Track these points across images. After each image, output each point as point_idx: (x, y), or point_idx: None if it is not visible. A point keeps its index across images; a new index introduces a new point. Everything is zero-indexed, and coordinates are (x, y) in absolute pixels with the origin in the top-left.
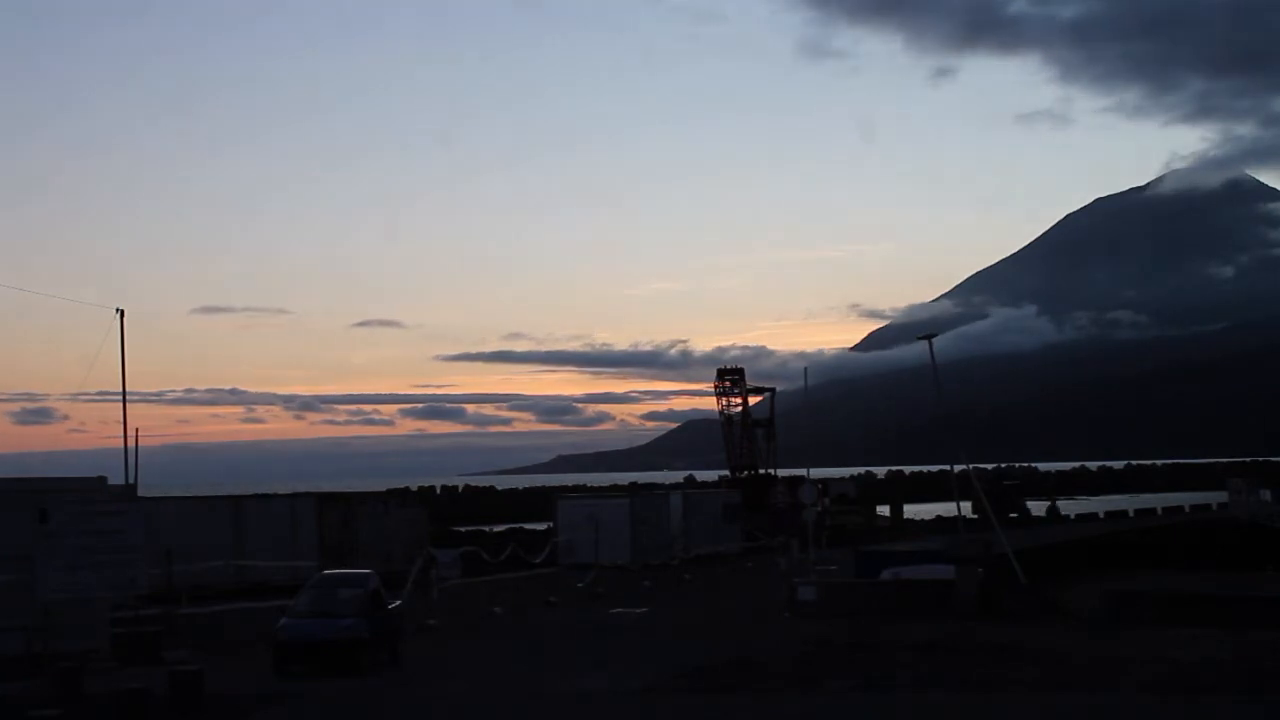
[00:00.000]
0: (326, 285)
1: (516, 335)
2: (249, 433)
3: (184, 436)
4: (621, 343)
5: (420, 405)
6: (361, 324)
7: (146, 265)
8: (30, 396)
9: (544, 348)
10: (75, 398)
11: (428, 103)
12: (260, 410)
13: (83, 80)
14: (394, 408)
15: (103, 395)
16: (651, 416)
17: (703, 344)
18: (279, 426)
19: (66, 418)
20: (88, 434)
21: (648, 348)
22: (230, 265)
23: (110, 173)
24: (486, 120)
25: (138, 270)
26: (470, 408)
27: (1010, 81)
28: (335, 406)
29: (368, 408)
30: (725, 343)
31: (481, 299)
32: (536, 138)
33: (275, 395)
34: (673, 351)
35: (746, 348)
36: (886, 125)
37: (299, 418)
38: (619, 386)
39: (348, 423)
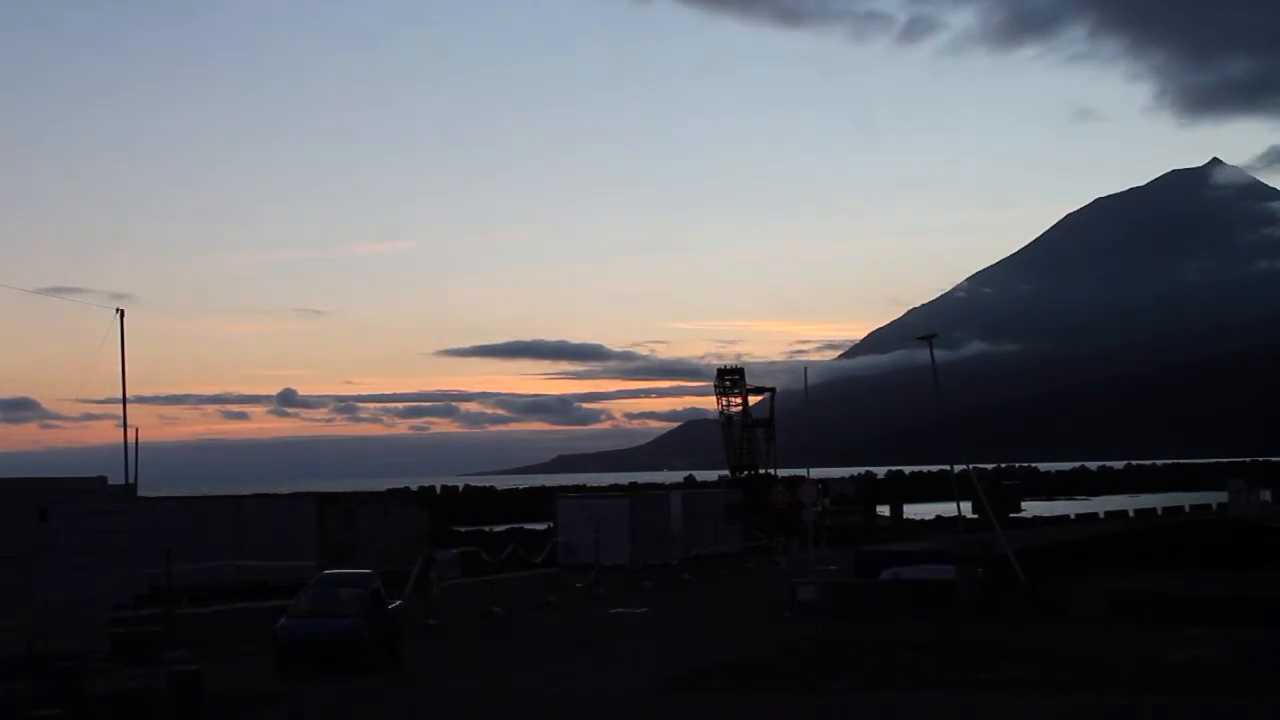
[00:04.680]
0: (316, 281)
1: (501, 333)
2: (243, 431)
3: (173, 436)
4: (613, 342)
5: (403, 405)
6: (341, 319)
7: (135, 265)
8: (28, 396)
9: (532, 345)
10: (76, 400)
11: (437, 99)
12: (249, 409)
13: (74, 81)
14: (375, 405)
15: (108, 399)
16: (649, 416)
17: (702, 344)
18: (270, 425)
19: (65, 417)
20: (86, 433)
21: (640, 347)
22: (224, 264)
23: (102, 173)
24: (485, 119)
25: (128, 270)
26: (461, 405)
27: (1010, 80)
28: (326, 405)
29: (356, 405)
30: (724, 342)
31: (466, 297)
32: (532, 135)
33: (265, 395)
34: (667, 351)
35: (757, 355)
36: (886, 123)
37: (289, 416)
38: (609, 385)
39: (330, 420)
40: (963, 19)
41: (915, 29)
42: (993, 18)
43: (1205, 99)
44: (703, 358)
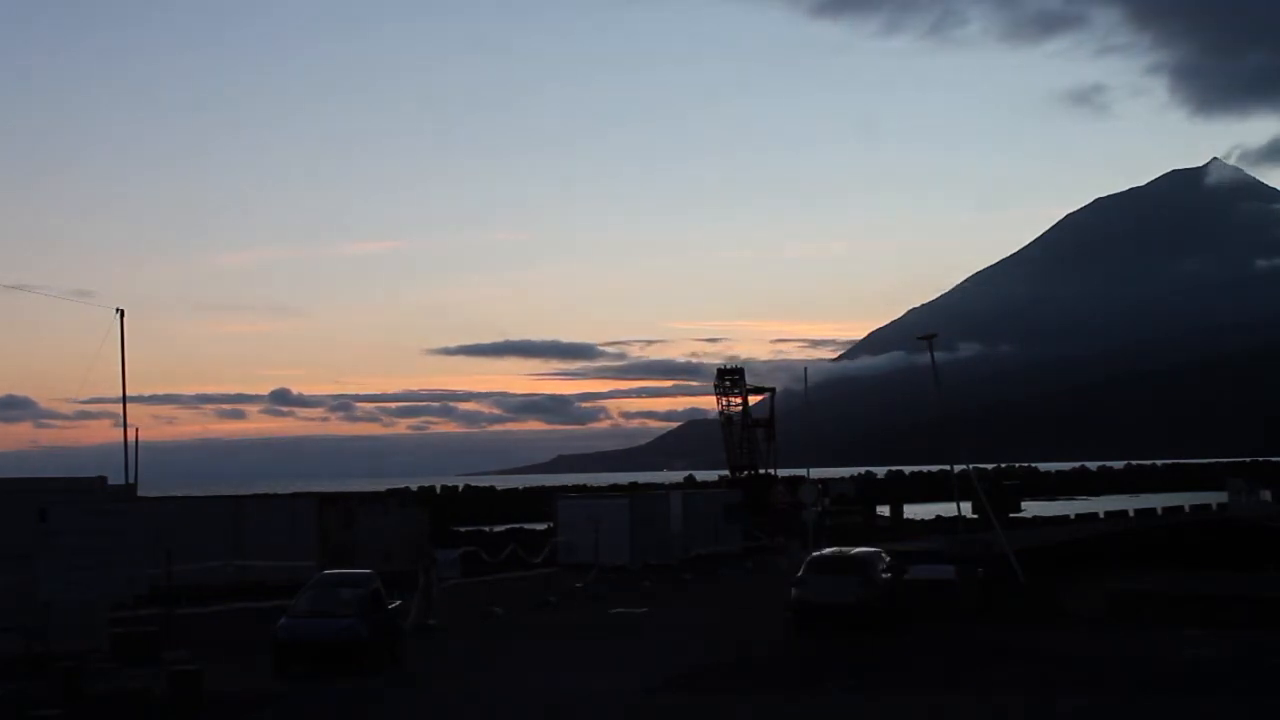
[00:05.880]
0: (303, 281)
1: (491, 332)
2: (239, 431)
3: (169, 436)
4: (607, 341)
5: (396, 405)
6: (330, 318)
7: (132, 264)
8: (25, 395)
9: (522, 345)
10: (70, 400)
11: (429, 97)
12: (244, 408)
13: (72, 77)
14: (371, 405)
15: (96, 398)
16: (648, 416)
17: (699, 343)
18: (267, 425)
19: (61, 416)
20: (83, 433)
21: (635, 347)
22: (213, 264)
23: (100, 171)
24: (476, 117)
25: (124, 269)
26: (458, 405)
27: (1013, 78)
28: (320, 405)
29: (352, 405)
30: (722, 342)
31: (455, 296)
32: (531, 136)
33: (259, 394)
34: (664, 351)
35: (755, 355)
36: (884, 122)
37: (284, 415)
38: (603, 385)
39: (326, 420)
40: (984, 11)
41: (945, 22)
42: (1012, 12)
43: (1219, 94)
44: (699, 357)
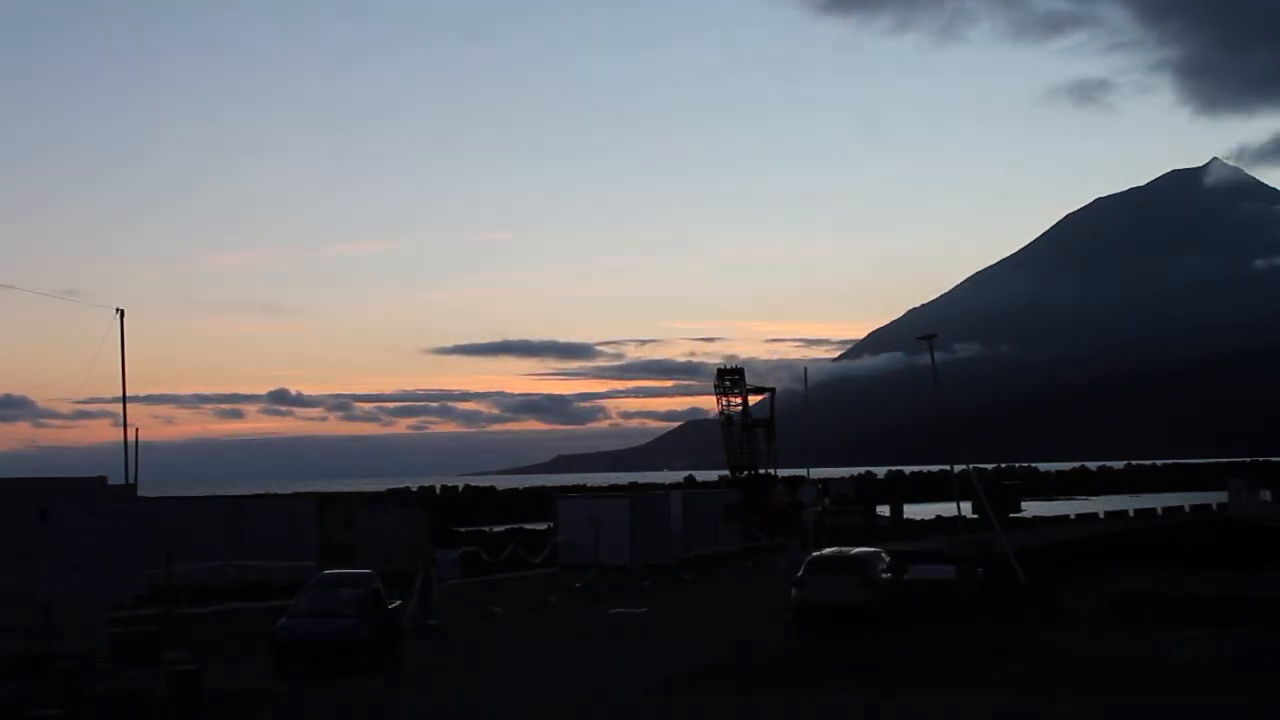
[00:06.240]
0: (299, 281)
1: (488, 332)
2: (238, 431)
3: (168, 435)
4: (607, 341)
5: (394, 405)
6: (326, 318)
7: (129, 263)
8: (23, 395)
9: (519, 344)
10: (68, 400)
11: (424, 98)
12: (243, 408)
13: (69, 77)
14: (370, 405)
15: (93, 398)
16: (648, 415)
17: (699, 343)
18: (265, 425)
19: (59, 415)
20: (81, 433)
21: (633, 348)
22: (209, 264)
23: (96, 170)
24: (473, 114)
25: (121, 268)
26: (457, 405)
27: (1014, 77)
28: (319, 404)
29: (351, 405)
30: (721, 342)
31: (452, 296)
32: (530, 135)
33: (257, 394)
34: (663, 351)
35: (754, 355)
36: (886, 121)
37: (283, 415)
38: (602, 385)
39: (324, 420)
40: (992, 10)
41: (954, 21)
42: (1020, 11)
43: (1224, 92)
44: (696, 357)
